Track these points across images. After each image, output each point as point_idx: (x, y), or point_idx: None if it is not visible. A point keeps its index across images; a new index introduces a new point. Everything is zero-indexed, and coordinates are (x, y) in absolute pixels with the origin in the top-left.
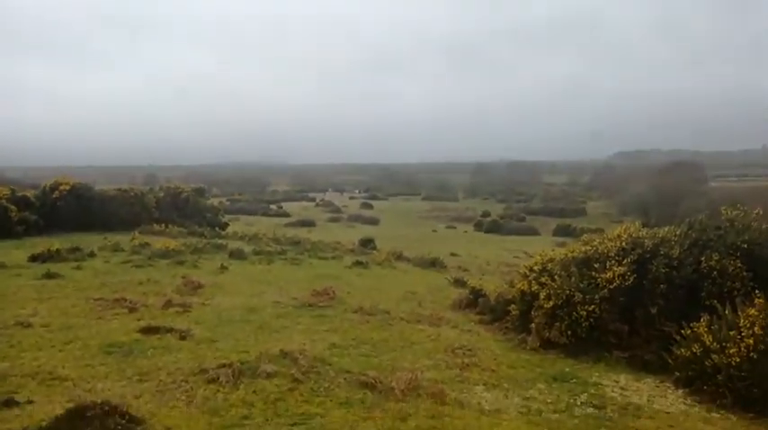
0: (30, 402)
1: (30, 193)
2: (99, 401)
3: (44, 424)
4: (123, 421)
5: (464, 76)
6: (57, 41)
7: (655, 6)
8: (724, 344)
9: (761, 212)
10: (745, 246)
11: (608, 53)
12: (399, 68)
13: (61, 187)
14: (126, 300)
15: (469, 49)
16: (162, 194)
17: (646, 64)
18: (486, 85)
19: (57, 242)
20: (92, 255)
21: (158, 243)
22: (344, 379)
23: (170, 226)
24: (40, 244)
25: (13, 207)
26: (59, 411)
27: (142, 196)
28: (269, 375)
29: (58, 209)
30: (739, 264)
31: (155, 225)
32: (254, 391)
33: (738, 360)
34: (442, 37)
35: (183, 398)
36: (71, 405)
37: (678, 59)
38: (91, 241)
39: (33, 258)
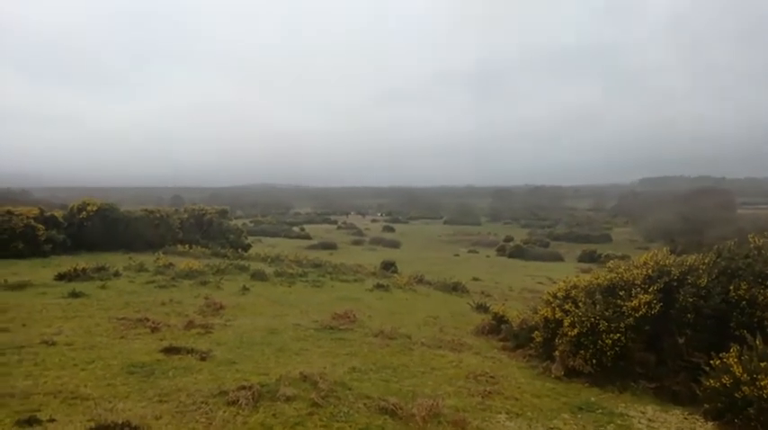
0: (51, 420)
1: (57, 214)
2: (119, 421)
3: None
4: None
5: (486, 103)
6: (86, 71)
7: (676, 35)
8: (755, 375)
9: None
10: None
11: (629, 81)
12: (424, 97)
13: (88, 208)
14: (149, 320)
15: (492, 77)
16: (186, 216)
17: (669, 91)
18: (507, 111)
19: (83, 261)
20: (117, 274)
21: (182, 263)
22: (364, 404)
23: (194, 247)
24: (67, 263)
25: (41, 226)
26: None
27: (167, 217)
28: (288, 399)
29: (84, 229)
30: None
31: (179, 246)
32: (274, 415)
33: None
34: (466, 66)
35: (203, 420)
36: (92, 424)
37: (703, 87)
38: (116, 261)
39: (60, 277)
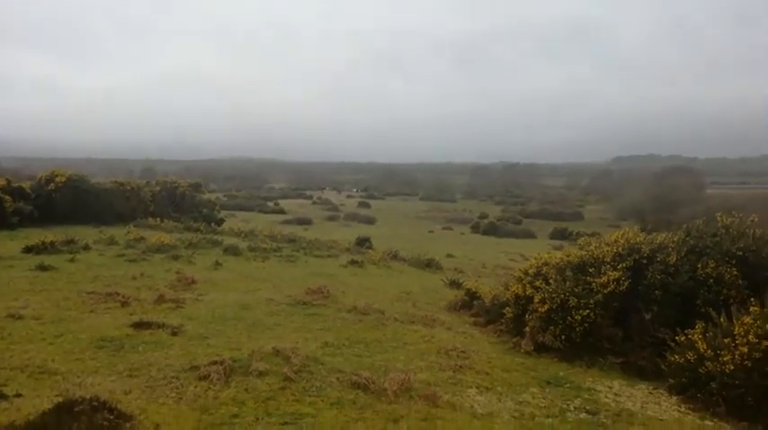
0: (18, 395)
1: (25, 184)
2: (87, 396)
3: (31, 418)
4: (111, 417)
5: (466, 76)
6: (59, 36)
7: (662, 16)
8: (718, 351)
9: (756, 219)
10: (741, 253)
11: (612, 59)
12: (401, 68)
13: (57, 179)
14: (119, 295)
15: (473, 49)
16: (158, 189)
17: (648, 71)
18: (488, 86)
19: (51, 234)
20: (86, 247)
21: (153, 237)
22: (337, 378)
23: (165, 220)
24: (35, 235)
25: (8, 197)
26: (47, 405)
27: (138, 190)
28: (260, 373)
29: (53, 200)
30: (735, 272)
31: (150, 219)
32: (246, 389)
33: (732, 368)
34: (446, 37)
35: (173, 394)
36: (59, 399)
37: (681, 68)
38: (86, 234)
39: (27, 249)
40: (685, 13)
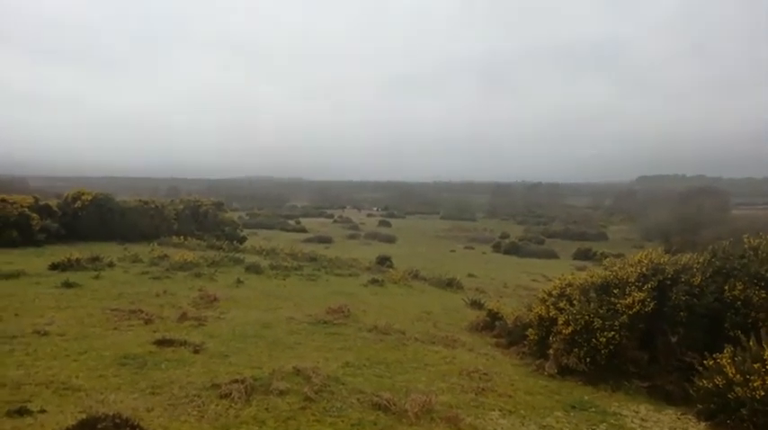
0: (42, 411)
1: (52, 203)
2: (110, 413)
3: None
4: None
5: (488, 97)
6: (85, 54)
7: (681, 35)
8: (748, 376)
9: None
10: None
11: (634, 79)
12: (424, 88)
13: (83, 197)
14: (142, 312)
15: (495, 70)
16: (182, 207)
17: (669, 90)
18: (510, 105)
19: (77, 251)
20: (111, 265)
21: (176, 255)
22: (357, 399)
23: (189, 238)
24: (61, 252)
25: (35, 215)
26: (71, 421)
27: (162, 208)
28: (281, 393)
29: (79, 218)
30: (764, 294)
31: (174, 237)
32: (266, 408)
33: (763, 393)
34: (469, 57)
35: (195, 412)
36: (83, 416)
37: (702, 86)
38: (110, 251)
39: (53, 267)
40: (705, 32)
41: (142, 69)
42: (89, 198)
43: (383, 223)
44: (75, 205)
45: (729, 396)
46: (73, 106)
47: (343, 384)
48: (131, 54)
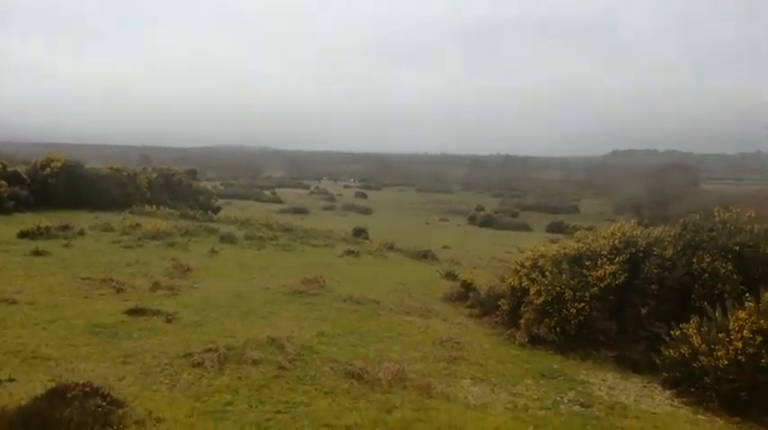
0: (10, 380)
1: (21, 169)
2: (80, 382)
3: (23, 403)
4: (104, 403)
5: (465, 68)
6: (57, 21)
7: (663, 9)
8: (712, 346)
9: (753, 215)
10: (737, 248)
11: (613, 53)
12: (401, 58)
13: (53, 164)
14: (113, 281)
15: (475, 39)
16: (154, 175)
17: (649, 64)
18: (487, 77)
19: (46, 219)
20: (81, 233)
21: (149, 224)
22: (331, 368)
23: (161, 207)
24: (30, 220)
25: (3, 182)
26: (40, 390)
27: (134, 176)
28: (255, 362)
29: (48, 186)
30: (730, 267)
31: (146, 206)
32: (239, 377)
33: (726, 363)
34: (446, 26)
35: (167, 381)
36: (52, 384)
37: (681, 61)
38: (81, 219)
39: (22, 235)
40: (687, 7)
41: (120, 39)
42: (59, 164)
43: (359, 195)
44: (45, 172)
45: (694, 365)
46: (46, 75)
47: (317, 353)
48: (105, 21)
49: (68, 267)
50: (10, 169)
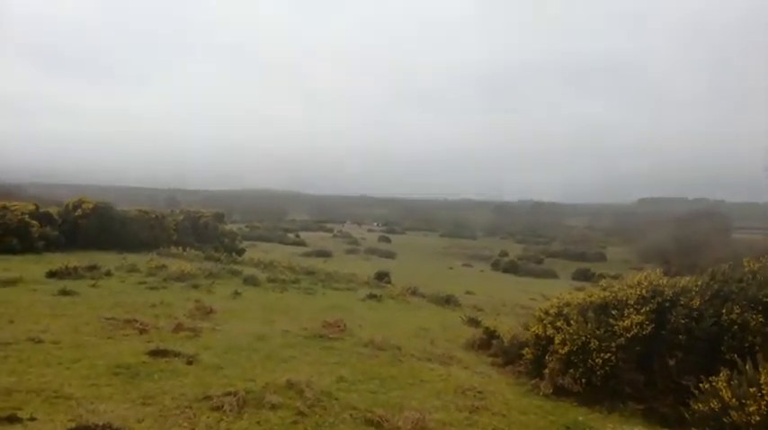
0: (32, 419)
1: (53, 210)
2: (101, 423)
3: None
4: None
5: (492, 113)
6: (85, 60)
7: (689, 50)
8: (743, 400)
9: None
10: (767, 299)
11: (641, 97)
12: (426, 103)
13: (84, 205)
14: (137, 322)
15: (498, 84)
16: (181, 218)
17: (681, 105)
18: (514, 121)
19: (75, 259)
20: (108, 274)
21: (174, 265)
22: (350, 415)
23: (187, 249)
24: (59, 260)
25: (35, 222)
26: None
27: (162, 219)
28: (274, 406)
29: (79, 227)
30: (761, 319)
31: (173, 248)
32: (258, 422)
33: (758, 418)
34: (472, 71)
35: (186, 424)
36: (72, 424)
37: (709, 104)
38: (109, 260)
39: (51, 274)
40: (713, 47)
41: (143, 80)
42: (90, 206)
43: (383, 239)
44: (76, 213)
45: (725, 420)
46: (71, 113)
47: (336, 399)
48: (133, 61)
49: (94, 307)
50: (42, 210)
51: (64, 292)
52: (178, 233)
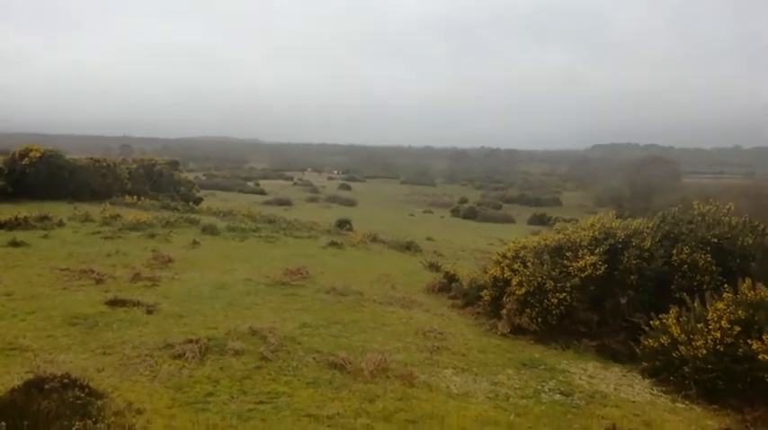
0: None
1: None
2: (59, 374)
3: (0, 394)
4: (83, 394)
5: (451, 60)
6: (26, 6)
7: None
8: (691, 336)
9: (732, 208)
10: (716, 240)
11: (600, 46)
12: (384, 50)
13: (31, 154)
14: (93, 272)
15: (459, 32)
16: (135, 166)
17: (635, 59)
18: (473, 70)
19: (25, 210)
20: (60, 224)
21: (129, 215)
22: (313, 358)
23: (142, 198)
24: (8, 211)
25: None
26: (17, 382)
27: (114, 167)
28: (236, 352)
29: (27, 176)
30: (709, 258)
31: (127, 197)
32: (221, 368)
33: (705, 352)
34: (431, 19)
35: (147, 373)
36: (30, 376)
37: (667, 56)
38: (60, 210)
39: None
40: (673, 7)
41: (99, 27)
42: (38, 155)
43: (343, 187)
44: (23, 162)
45: (673, 354)
46: (26, 63)
47: (299, 344)
48: (80, 5)
49: (47, 258)
50: None
51: (14, 244)
52: (132, 182)
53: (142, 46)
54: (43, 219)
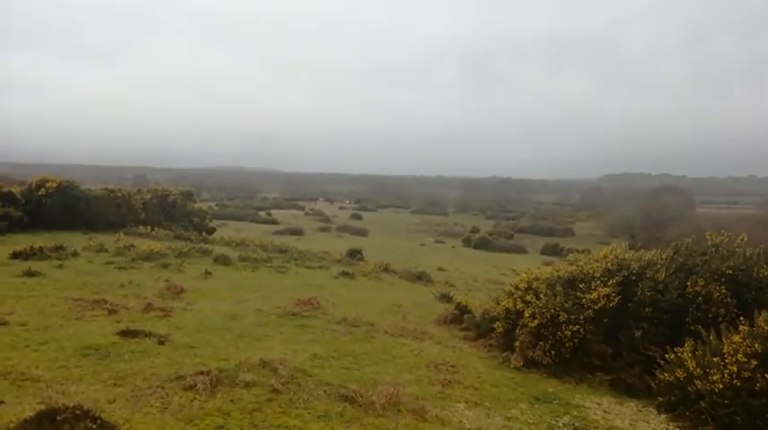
0: (0, 402)
1: (15, 190)
2: (71, 405)
3: (12, 426)
4: (94, 426)
5: (465, 90)
6: (44, 33)
7: (663, 31)
8: (707, 370)
9: (746, 239)
10: (730, 271)
11: (613, 75)
12: (400, 80)
13: (48, 184)
14: (106, 302)
15: (474, 60)
16: (149, 197)
17: (650, 86)
18: (492, 97)
19: (40, 240)
20: (75, 254)
21: (143, 245)
22: (324, 391)
23: (156, 228)
24: (23, 241)
25: None
26: (29, 413)
27: (129, 197)
28: (247, 384)
29: (43, 206)
30: (724, 290)
31: (140, 227)
32: (232, 400)
33: (721, 386)
34: (447, 49)
35: (158, 404)
36: (42, 407)
37: (680, 84)
38: (75, 240)
39: (15, 255)
40: (685, 31)
41: (116, 57)
42: (54, 185)
43: (355, 216)
44: (40, 192)
45: (689, 389)
46: (40, 92)
47: (310, 376)
48: (95, 35)
49: (61, 288)
50: (4, 189)
51: (29, 273)
52: (146, 212)
53: (152, 75)
54: (58, 249)
